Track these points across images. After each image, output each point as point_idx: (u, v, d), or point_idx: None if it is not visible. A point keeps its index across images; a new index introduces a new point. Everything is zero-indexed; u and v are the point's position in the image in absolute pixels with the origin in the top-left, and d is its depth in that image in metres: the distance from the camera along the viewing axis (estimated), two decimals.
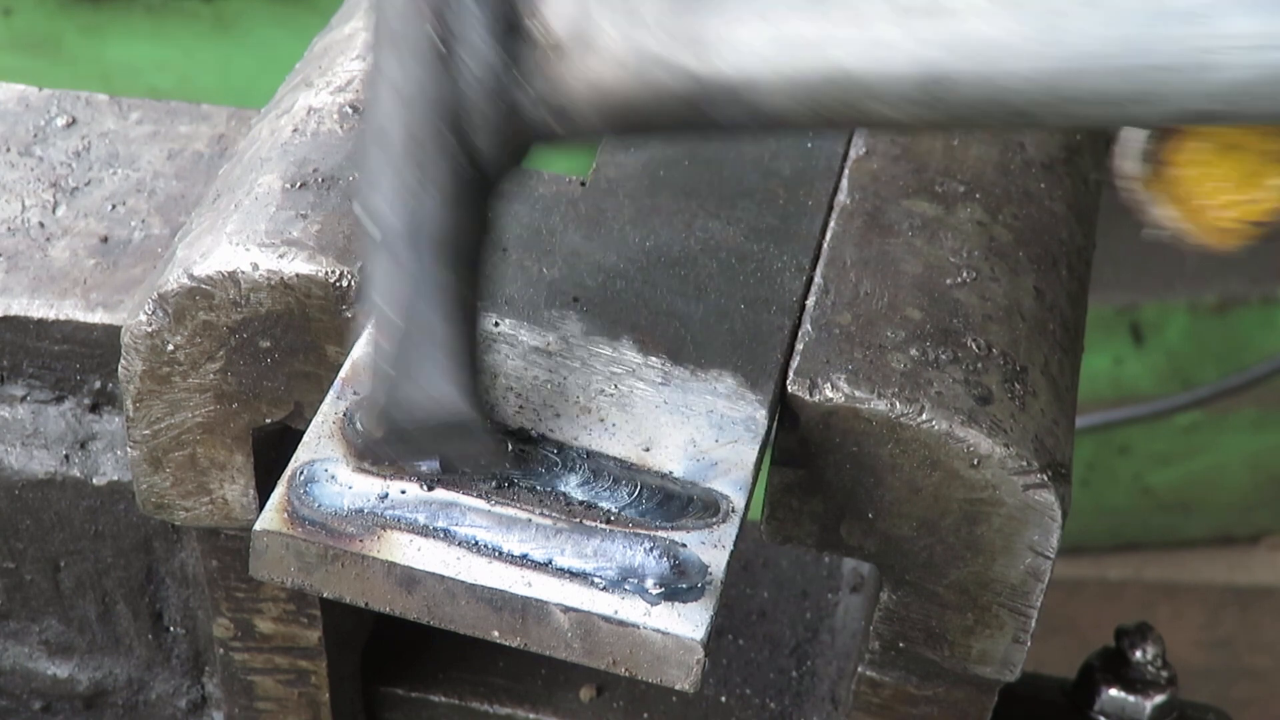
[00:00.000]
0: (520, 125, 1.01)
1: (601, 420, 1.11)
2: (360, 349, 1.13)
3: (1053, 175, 1.33)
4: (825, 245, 1.24)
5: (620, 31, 0.99)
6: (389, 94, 1.00)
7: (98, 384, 1.35)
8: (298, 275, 1.16)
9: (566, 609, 1.00)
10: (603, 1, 1.00)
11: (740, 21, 0.98)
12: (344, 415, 1.09)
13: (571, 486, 1.06)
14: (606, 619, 1.00)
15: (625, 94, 1.00)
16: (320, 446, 1.07)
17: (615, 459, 1.09)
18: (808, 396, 1.13)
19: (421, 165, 0.99)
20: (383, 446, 1.06)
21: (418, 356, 1.02)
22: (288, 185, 1.21)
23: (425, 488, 1.05)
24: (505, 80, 1.00)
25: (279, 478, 1.05)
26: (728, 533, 1.05)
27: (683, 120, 1.02)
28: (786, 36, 0.98)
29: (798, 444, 1.14)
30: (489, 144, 1.00)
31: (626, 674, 1.01)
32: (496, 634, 1.02)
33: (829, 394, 1.12)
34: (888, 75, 0.97)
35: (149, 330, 1.18)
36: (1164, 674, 1.50)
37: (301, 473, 1.05)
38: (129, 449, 1.23)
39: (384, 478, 1.06)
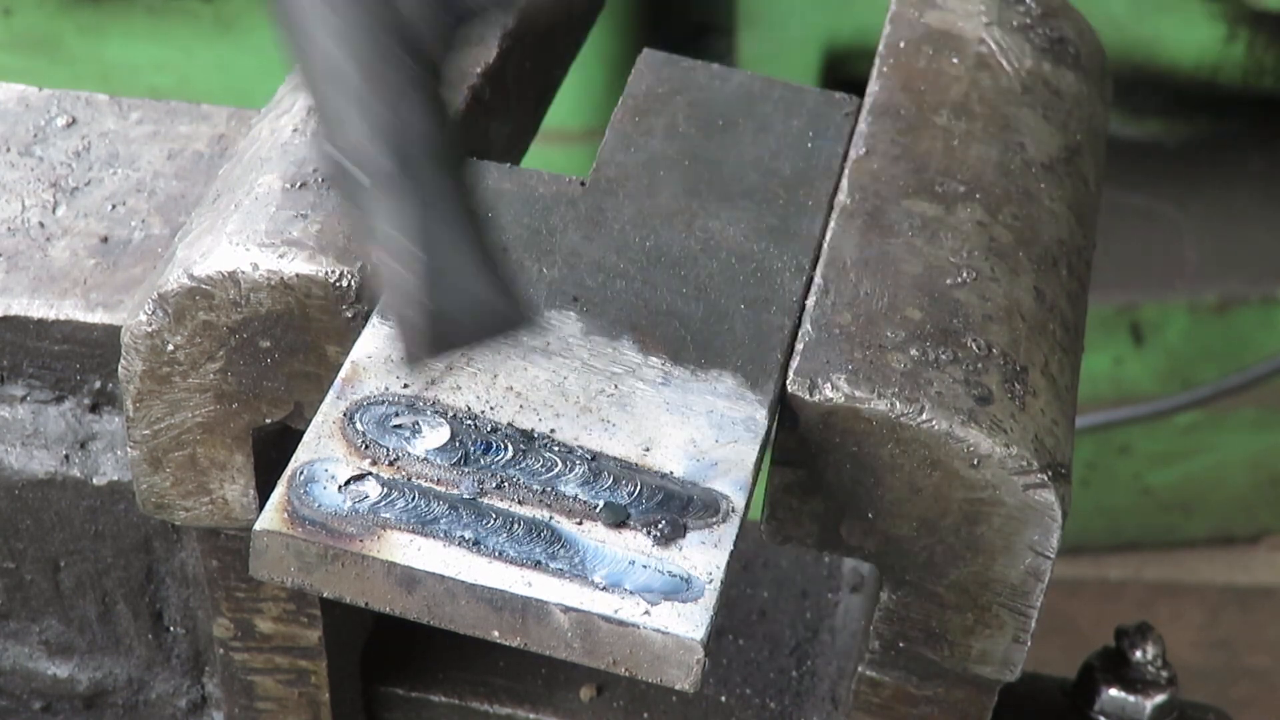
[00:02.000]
0: (455, 8, 1.03)
1: (602, 420, 1.11)
2: (360, 349, 1.13)
3: (1053, 175, 1.33)
4: (825, 245, 1.24)
5: None
6: (324, 34, 0.99)
7: (98, 384, 1.35)
8: (298, 275, 1.16)
9: (566, 609, 1.00)
10: None
11: None
12: (344, 415, 1.09)
13: (572, 486, 1.06)
14: (606, 619, 1.00)
15: None
16: (320, 446, 1.07)
17: (615, 459, 1.08)
18: (808, 396, 1.13)
19: (388, 89, 0.99)
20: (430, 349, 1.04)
21: (452, 279, 0.99)
22: (288, 185, 1.21)
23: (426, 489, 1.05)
24: None
25: (279, 478, 1.05)
26: (728, 533, 1.05)
27: None
28: None
29: (798, 444, 1.14)
30: (432, 40, 1.01)
31: (626, 674, 1.01)
32: (496, 634, 1.02)
33: (829, 394, 1.12)
34: None
35: (149, 330, 1.18)
36: (1164, 674, 1.50)
37: (301, 473, 1.05)
38: (129, 449, 1.23)
39: (383, 479, 1.06)
